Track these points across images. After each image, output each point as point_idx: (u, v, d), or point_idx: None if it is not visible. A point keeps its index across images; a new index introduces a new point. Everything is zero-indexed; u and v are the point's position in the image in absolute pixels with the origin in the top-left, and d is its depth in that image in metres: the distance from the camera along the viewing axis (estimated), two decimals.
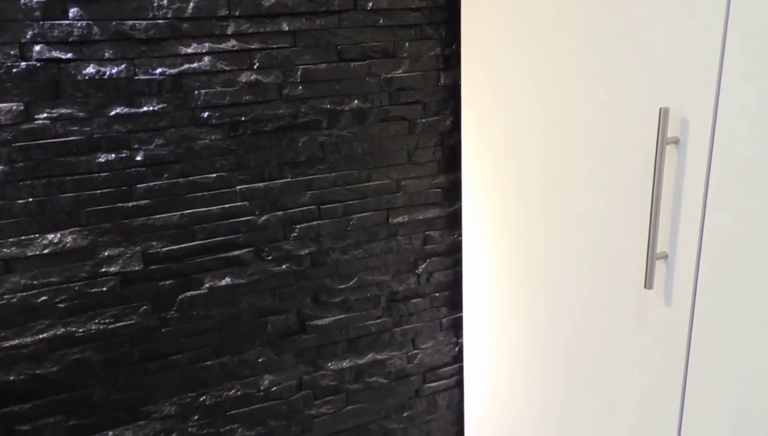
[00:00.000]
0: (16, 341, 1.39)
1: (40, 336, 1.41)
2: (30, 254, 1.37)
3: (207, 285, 1.52)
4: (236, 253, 1.53)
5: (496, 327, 1.70)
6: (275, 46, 1.47)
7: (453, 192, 1.74)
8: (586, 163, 1.24)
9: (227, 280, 1.54)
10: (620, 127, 1.12)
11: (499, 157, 1.58)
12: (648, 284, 1.04)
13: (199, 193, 1.48)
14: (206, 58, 1.42)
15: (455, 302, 1.82)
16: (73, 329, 1.43)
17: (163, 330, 1.51)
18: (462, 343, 1.84)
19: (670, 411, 1.11)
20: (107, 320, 1.45)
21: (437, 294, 1.79)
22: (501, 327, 1.68)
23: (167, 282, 1.49)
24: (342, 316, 1.69)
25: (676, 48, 0.98)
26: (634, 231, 1.13)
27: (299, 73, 1.51)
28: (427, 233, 1.73)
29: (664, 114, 0.97)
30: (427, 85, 1.64)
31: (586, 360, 1.35)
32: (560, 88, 1.29)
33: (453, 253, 1.78)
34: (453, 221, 1.76)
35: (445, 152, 1.71)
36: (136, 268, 1.45)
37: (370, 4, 1.53)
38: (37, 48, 1.29)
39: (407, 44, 1.59)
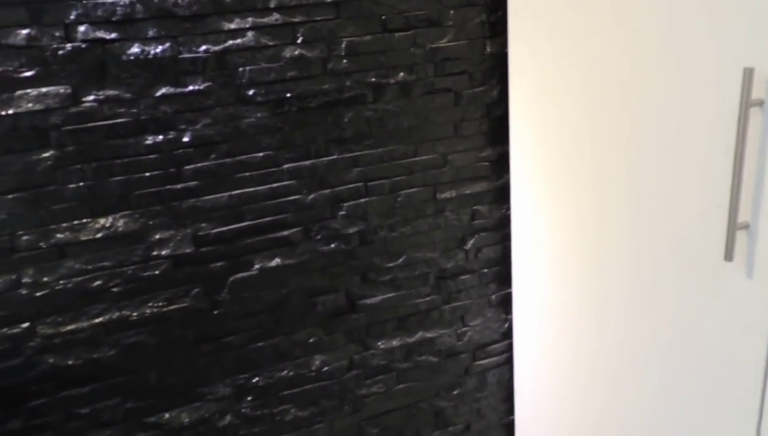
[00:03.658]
0: (73, 326, 1.39)
1: (96, 321, 1.41)
2: (83, 238, 1.36)
3: (257, 266, 1.51)
4: (285, 233, 1.51)
5: (547, 303, 1.66)
6: (318, 18, 1.43)
7: (501, 165, 1.69)
8: (658, 127, 1.18)
9: (277, 260, 1.52)
10: (699, 88, 1.06)
11: (551, 126, 1.52)
12: (728, 255, 0.99)
13: (247, 173, 1.46)
14: (249, 34, 1.39)
15: (504, 278, 1.78)
16: (128, 313, 1.43)
17: (215, 312, 1.50)
18: (511, 319, 1.82)
19: (751, 385, 1.07)
20: (160, 304, 1.45)
21: (486, 270, 1.76)
22: (552, 303, 1.64)
23: (218, 264, 1.47)
24: (391, 294, 1.66)
25: (761, 4, 0.92)
26: (714, 199, 1.08)
27: (343, 46, 1.47)
28: (474, 207, 1.70)
29: (748, 74, 0.92)
30: (472, 54, 1.59)
31: (657, 336, 1.31)
32: (628, 49, 1.22)
33: (501, 228, 1.74)
34: (501, 195, 1.72)
35: (492, 124, 1.66)
36: (187, 250, 1.44)
37: None
38: (81, 28, 1.27)
39: (452, 12, 1.54)
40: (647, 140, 1.23)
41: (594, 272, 1.48)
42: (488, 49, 1.60)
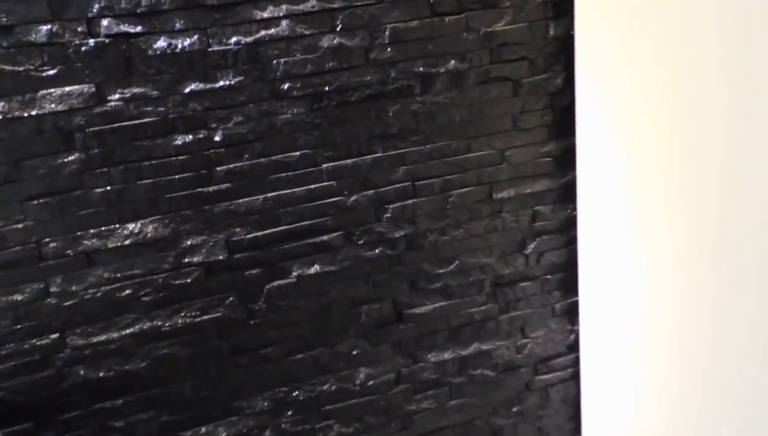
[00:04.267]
0: (103, 337, 1.34)
1: (127, 331, 1.35)
2: (111, 245, 1.30)
3: (295, 274, 1.42)
4: (325, 238, 1.42)
5: (617, 313, 1.52)
6: (359, 3, 1.31)
7: (566, 161, 1.54)
8: (758, 118, 1.00)
9: (316, 267, 1.43)
10: None
11: (624, 117, 1.36)
12: None
13: (283, 174, 1.37)
14: (284, 23, 1.28)
15: (569, 285, 1.63)
16: (159, 323, 1.36)
17: (252, 322, 1.42)
18: (578, 331, 1.67)
19: None
20: (193, 313, 1.38)
21: (549, 277, 1.61)
22: (624, 313, 1.50)
23: (253, 271, 1.39)
24: (442, 303, 1.54)
25: None
26: None
27: (387, 33, 1.34)
28: (536, 208, 1.55)
29: None
30: (533, 37, 1.44)
31: (749, 353, 1.13)
32: (720, 26, 1.04)
33: (566, 230, 1.59)
34: (566, 194, 1.56)
35: (556, 115, 1.50)
36: (220, 257, 1.36)
37: None
38: (104, 23, 1.20)
39: None
40: (743, 133, 1.04)
41: (673, 279, 1.32)
42: (551, 32, 1.44)
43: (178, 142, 1.29)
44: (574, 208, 1.57)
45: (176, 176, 1.30)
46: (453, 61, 1.39)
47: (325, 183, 1.39)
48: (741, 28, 1.01)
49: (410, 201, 1.45)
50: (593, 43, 1.39)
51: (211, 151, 1.31)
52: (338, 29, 1.31)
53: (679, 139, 1.22)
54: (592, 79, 1.42)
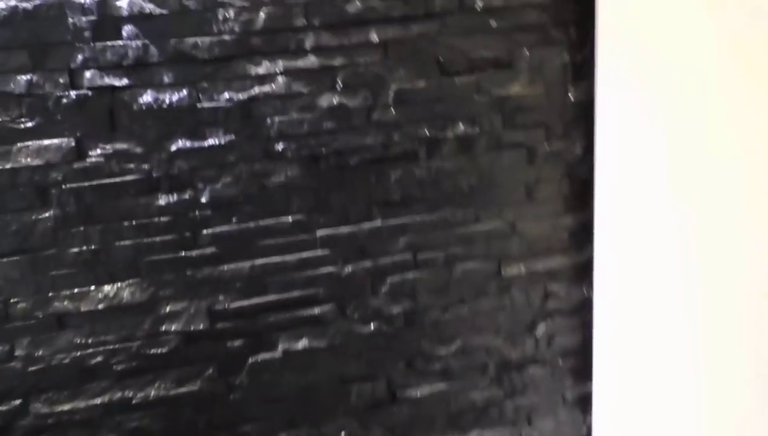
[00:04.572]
0: (70, 406, 1.26)
1: (96, 401, 1.27)
2: (84, 309, 1.24)
3: (281, 347, 1.35)
4: (315, 310, 1.35)
5: (636, 406, 1.43)
6: (362, 61, 1.27)
7: (583, 236, 1.46)
8: None
9: (304, 341, 1.35)
10: None
11: (647, 190, 1.31)
12: None
13: (273, 240, 1.30)
14: (280, 79, 1.24)
15: (583, 372, 1.53)
16: (131, 393, 1.29)
17: (231, 397, 1.34)
18: (591, 422, 1.56)
19: None
20: (168, 385, 1.31)
21: (560, 362, 1.51)
22: (643, 407, 1.41)
23: (236, 343, 1.32)
24: (441, 385, 1.45)
25: None
26: None
27: (391, 93, 1.30)
28: (548, 286, 1.47)
29: None
30: (551, 102, 1.39)
31: None
32: (743, 95, 1.00)
33: (581, 312, 1.50)
34: (582, 272, 1.48)
35: (574, 186, 1.43)
36: (201, 326, 1.30)
37: (480, 4, 1.29)
38: (88, 74, 1.16)
39: (526, 51, 1.35)
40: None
41: (696, 371, 1.26)
42: (571, 97, 1.39)
43: (162, 202, 1.23)
44: (591, 289, 1.48)
45: (158, 238, 1.24)
46: (462, 125, 1.34)
47: (319, 251, 1.32)
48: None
49: (410, 274, 1.38)
50: (616, 109, 1.33)
51: (197, 212, 1.25)
52: (338, 88, 1.26)
53: (706, 216, 1.17)
54: (613, 148, 1.36)
